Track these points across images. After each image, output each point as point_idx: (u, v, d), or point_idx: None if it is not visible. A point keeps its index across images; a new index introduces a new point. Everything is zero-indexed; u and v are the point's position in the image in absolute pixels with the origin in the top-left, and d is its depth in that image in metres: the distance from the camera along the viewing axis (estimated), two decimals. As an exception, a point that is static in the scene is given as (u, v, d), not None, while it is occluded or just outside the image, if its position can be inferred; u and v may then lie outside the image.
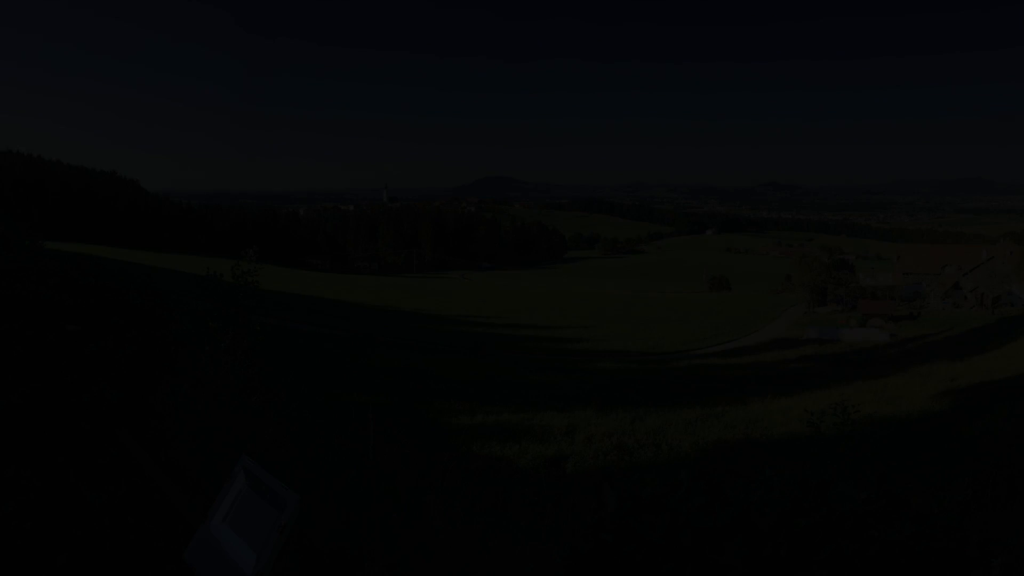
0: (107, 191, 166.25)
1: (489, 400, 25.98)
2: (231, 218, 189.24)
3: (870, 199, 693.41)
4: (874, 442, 18.93)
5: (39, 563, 2.96)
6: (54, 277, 2.90)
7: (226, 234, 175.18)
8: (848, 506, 1.52)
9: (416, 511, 5.03)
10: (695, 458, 19.29)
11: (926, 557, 1.45)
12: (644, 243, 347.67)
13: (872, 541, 1.46)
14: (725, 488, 1.65)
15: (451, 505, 5.63)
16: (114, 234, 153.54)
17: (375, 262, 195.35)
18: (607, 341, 59.15)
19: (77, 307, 2.88)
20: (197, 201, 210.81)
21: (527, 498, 7.04)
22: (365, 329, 52.27)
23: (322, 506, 4.51)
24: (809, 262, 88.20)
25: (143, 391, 3.62)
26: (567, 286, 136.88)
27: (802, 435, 17.42)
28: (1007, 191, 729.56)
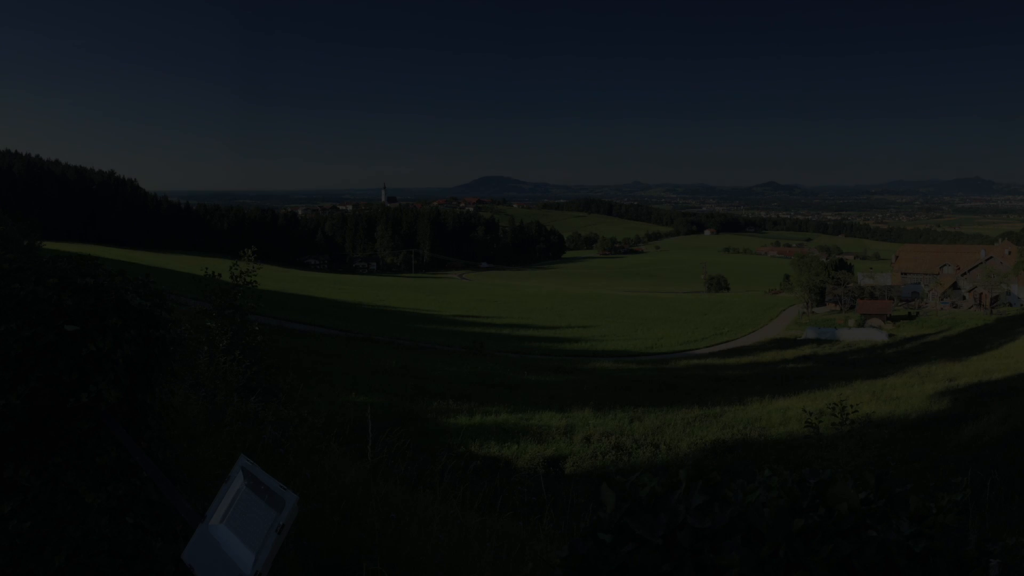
0: (106, 191, 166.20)
1: (487, 400, 26.02)
2: (229, 218, 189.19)
3: (869, 199, 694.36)
4: (873, 442, 18.96)
5: (37, 563, 2.95)
6: (52, 276, 2.87)
7: (224, 234, 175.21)
8: (846, 506, 1.52)
9: (415, 511, 5.02)
10: (694, 458, 19.33)
11: (924, 557, 1.45)
12: (643, 243, 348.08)
13: (870, 541, 1.45)
14: (723, 488, 1.65)
15: (449, 505, 5.62)
16: (113, 234, 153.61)
17: (373, 262, 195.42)
18: (605, 341, 59.23)
19: (76, 307, 2.85)
20: (195, 201, 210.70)
21: (525, 498, 7.03)
22: (363, 329, 52.32)
23: (320, 505, 4.51)
24: (808, 262, 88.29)
25: (142, 391, 3.62)
26: (565, 286, 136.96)
27: (800, 435, 17.45)
28: (1006, 191, 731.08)
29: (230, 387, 6.40)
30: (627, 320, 75.36)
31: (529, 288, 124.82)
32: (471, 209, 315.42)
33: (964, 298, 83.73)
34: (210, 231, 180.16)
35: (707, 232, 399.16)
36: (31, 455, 3.18)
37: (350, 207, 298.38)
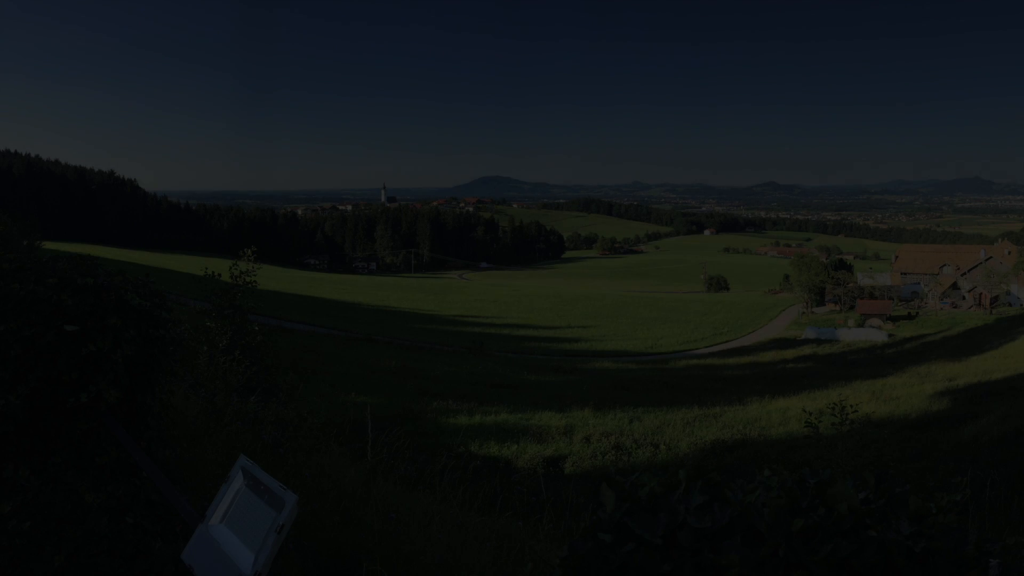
0: (105, 191, 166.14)
1: (487, 400, 26.03)
2: (229, 218, 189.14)
3: (869, 199, 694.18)
4: (872, 442, 18.95)
5: (37, 563, 2.95)
6: (52, 276, 2.86)
7: (224, 234, 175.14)
8: (846, 506, 1.52)
9: (414, 511, 5.02)
10: (693, 458, 19.33)
11: (924, 557, 1.45)
12: (642, 243, 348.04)
13: (870, 541, 1.46)
14: (723, 488, 1.65)
15: (449, 505, 5.62)
16: (112, 234, 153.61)
17: (373, 262, 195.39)
18: (605, 341, 59.22)
19: (75, 307, 2.84)
20: (195, 201, 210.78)
21: (525, 498, 7.04)
22: (363, 329, 52.28)
23: (320, 505, 4.51)
24: (807, 262, 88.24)
25: (141, 391, 3.62)
26: (565, 286, 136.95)
27: (800, 435, 17.45)
28: (1006, 191, 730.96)
29: (229, 387, 6.40)
30: (627, 320, 75.35)
31: (529, 288, 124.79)
32: (471, 209, 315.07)
33: (964, 298, 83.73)
34: (210, 231, 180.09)
35: (707, 232, 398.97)
36: (31, 455, 3.18)
37: (350, 207, 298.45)
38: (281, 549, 2.18)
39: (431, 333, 56.30)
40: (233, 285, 10.48)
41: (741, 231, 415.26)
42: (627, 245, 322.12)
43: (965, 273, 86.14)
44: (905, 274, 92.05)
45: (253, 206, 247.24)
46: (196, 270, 12.19)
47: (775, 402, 28.45)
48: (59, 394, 3.25)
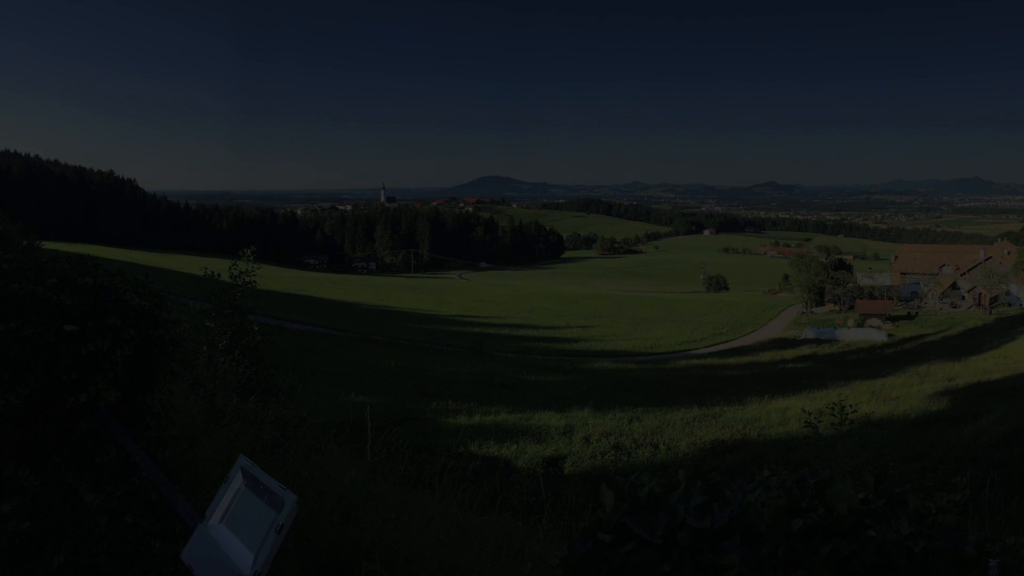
0: (105, 191, 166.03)
1: (487, 400, 26.00)
2: (229, 218, 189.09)
3: (868, 199, 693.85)
4: (872, 442, 18.95)
5: (37, 563, 2.95)
6: (52, 276, 2.86)
7: (224, 234, 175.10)
8: (845, 506, 1.52)
9: (414, 511, 5.02)
10: (693, 458, 19.32)
11: (924, 557, 1.45)
12: (642, 243, 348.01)
13: (870, 541, 1.46)
14: (723, 488, 1.65)
15: (449, 505, 5.62)
16: (112, 234, 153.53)
17: (373, 262, 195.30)
18: (604, 341, 59.19)
19: (75, 307, 2.85)
20: (195, 201, 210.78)
21: (525, 498, 7.03)
22: (362, 329, 52.27)
23: (319, 505, 4.50)
24: (807, 262, 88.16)
25: (141, 391, 3.62)
26: (565, 286, 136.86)
27: (799, 435, 17.45)
28: (1005, 191, 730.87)
29: (229, 387, 6.40)
30: (626, 320, 75.32)
31: (528, 288, 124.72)
32: (470, 209, 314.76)
33: (963, 298, 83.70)
34: (210, 231, 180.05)
35: (706, 232, 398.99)
36: (31, 455, 3.18)
37: (349, 207, 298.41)
38: (280, 549, 2.18)
39: (430, 333, 56.27)
40: (232, 285, 10.48)
41: (741, 231, 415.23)
42: (627, 245, 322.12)
43: (964, 273, 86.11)
44: (905, 274, 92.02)
45: (252, 206, 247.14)
46: (196, 270, 12.20)
47: (775, 402, 28.43)
48: (59, 394, 3.25)
